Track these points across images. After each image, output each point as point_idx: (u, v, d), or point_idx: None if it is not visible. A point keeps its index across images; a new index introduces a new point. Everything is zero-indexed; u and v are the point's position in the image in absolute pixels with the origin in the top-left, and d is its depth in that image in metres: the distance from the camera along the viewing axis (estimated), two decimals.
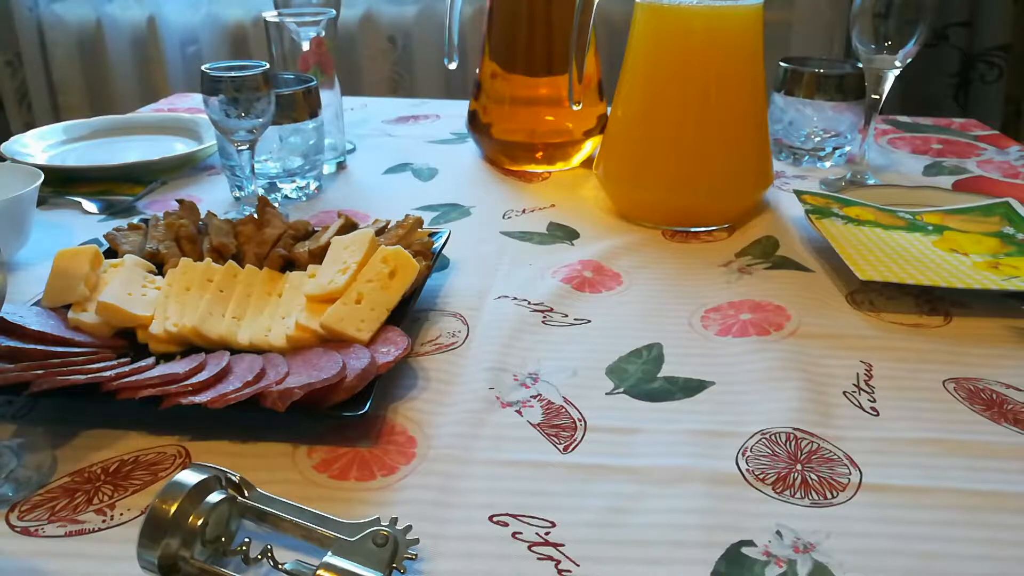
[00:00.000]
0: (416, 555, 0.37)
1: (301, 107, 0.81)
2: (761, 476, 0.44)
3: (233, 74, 0.71)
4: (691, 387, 0.52)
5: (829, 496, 0.43)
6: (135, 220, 0.69)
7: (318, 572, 0.35)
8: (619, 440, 0.47)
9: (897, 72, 0.82)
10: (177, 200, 0.71)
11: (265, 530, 0.39)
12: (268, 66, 0.73)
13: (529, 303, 0.62)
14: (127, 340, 0.54)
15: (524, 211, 0.81)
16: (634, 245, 0.73)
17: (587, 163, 0.93)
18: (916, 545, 0.39)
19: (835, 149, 0.94)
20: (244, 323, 0.55)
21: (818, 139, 0.93)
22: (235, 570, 0.37)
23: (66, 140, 1.00)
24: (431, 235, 0.66)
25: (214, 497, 0.37)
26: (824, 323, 0.59)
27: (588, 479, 0.44)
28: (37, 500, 0.42)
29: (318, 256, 0.62)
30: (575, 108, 0.82)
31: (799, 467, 0.45)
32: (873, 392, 0.51)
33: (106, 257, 0.61)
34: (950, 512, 0.41)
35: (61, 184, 0.87)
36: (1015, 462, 0.45)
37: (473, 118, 0.94)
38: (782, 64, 0.93)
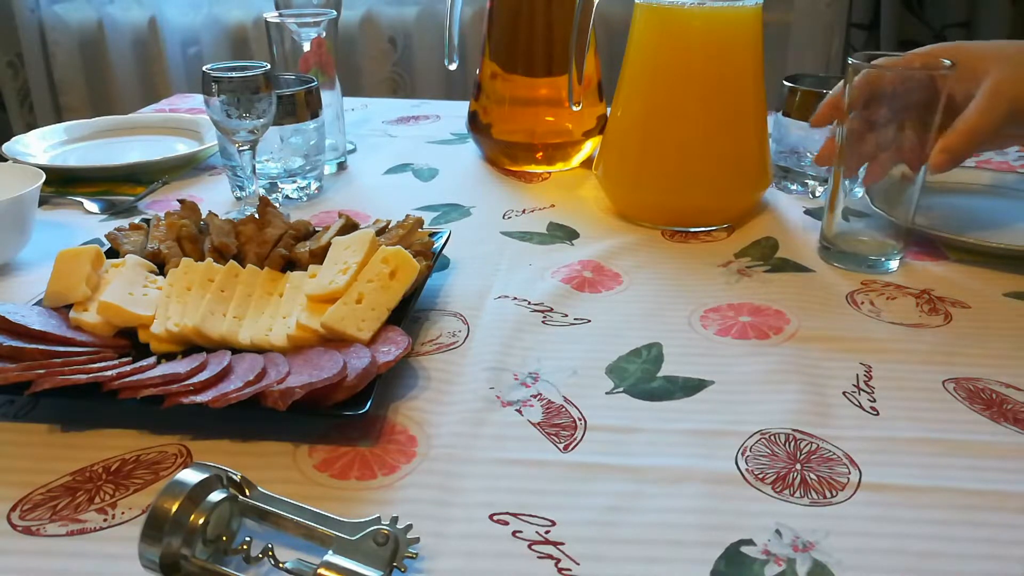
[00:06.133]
0: (416, 554, 0.37)
1: (302, 108, 0.82)
2: (760, 476, 0.44)
3: (234, 75, 0.72)
4: (691, 387, 0.52)
5: (828, 495, 0.43)
6: (136, 220, 0.69)
7: (319, 571, 0.35)
8: (619, 439, 0.47)
9: None
10: (178, 200, 0.71)
11: (266, 529, 0.39)
12: (269, 67, 0.73)
13: (529, 303, 0.62)
14: (128, 340, 0.54)
15: (524, 211, 0.81)
16: (634, 245, 0.73)
17: (587, 163, 0.93)
18: (915, 544, 0.39)
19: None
20: (245, 323, 0.55)
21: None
22: (236, 569, 0.37)
23: (67, 140, 1.00)
24: (431, 235, 0.66)
25: (215, 496, 0.37)
26: (824, 324, 0.59)
27: (588, 478, 0.44)
28: (38, 499, 0.42)
29: (319, 256, 0.62)
30: (575, 109, 0.82)
31: (798, 467, 0.45)
32: (873, 392, 0.51)
33: (107, 257, 0.61)
34: (950, 511, 0.41)
35: (63, 184, 0.87)
36: (1015, 462, 0.45)
37: (473, 119, 0.94)
38: (787, 83, 0.84)
